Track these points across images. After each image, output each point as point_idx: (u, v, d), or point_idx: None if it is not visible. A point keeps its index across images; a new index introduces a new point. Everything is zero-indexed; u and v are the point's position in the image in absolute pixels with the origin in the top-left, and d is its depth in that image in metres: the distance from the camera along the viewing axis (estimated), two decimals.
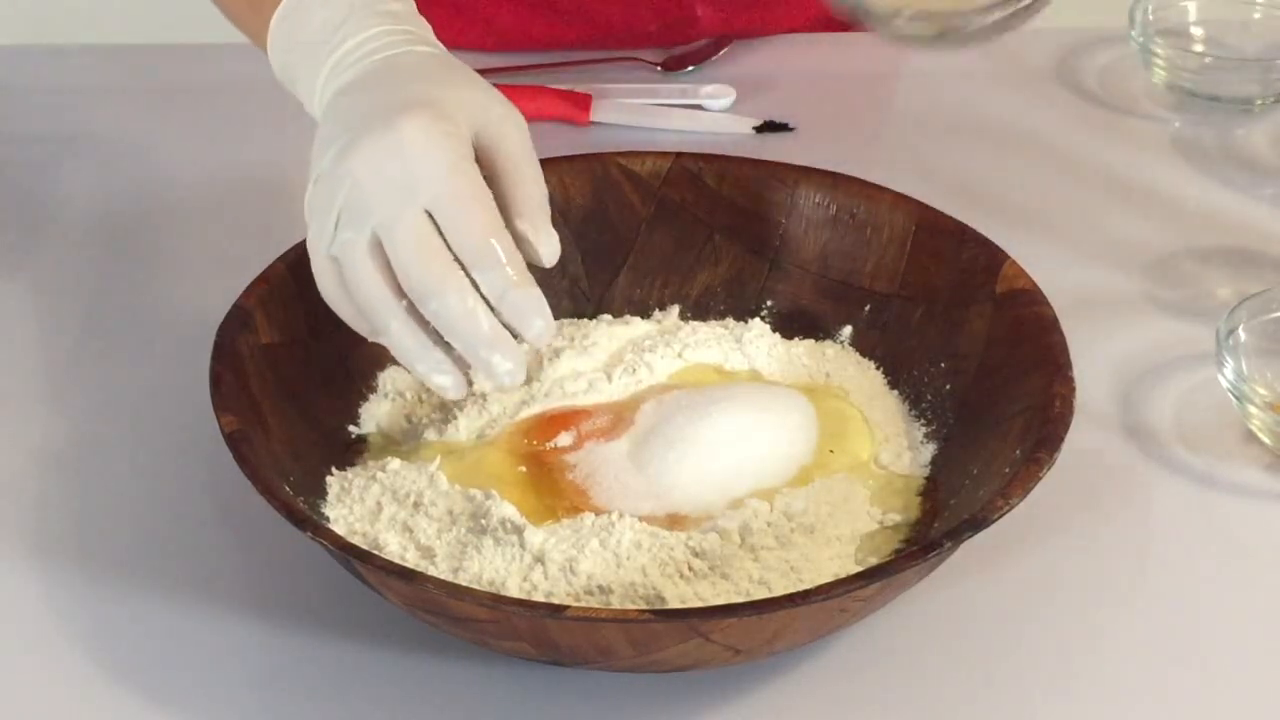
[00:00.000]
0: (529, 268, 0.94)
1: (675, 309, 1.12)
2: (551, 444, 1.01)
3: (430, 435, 1.03)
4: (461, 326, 0.93)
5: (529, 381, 1.05)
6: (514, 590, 0.92)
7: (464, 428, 1.03)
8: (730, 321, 1.11)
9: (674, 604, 0.91)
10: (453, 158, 0.93)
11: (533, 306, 0.93)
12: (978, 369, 1.03)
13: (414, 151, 0.93)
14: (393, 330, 0.94)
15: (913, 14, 0.98)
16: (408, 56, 0.99)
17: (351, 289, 0.95)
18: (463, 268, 0.93)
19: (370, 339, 0.96)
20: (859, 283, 1.09)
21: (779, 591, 0.91)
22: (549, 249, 0.96)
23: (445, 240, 0.93)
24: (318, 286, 0.96)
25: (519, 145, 0.97)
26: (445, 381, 0.95)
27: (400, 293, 0.93)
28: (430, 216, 0.92)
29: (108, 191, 1.28)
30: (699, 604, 0.91)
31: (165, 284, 1.19)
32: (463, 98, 0.96)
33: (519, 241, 0.95)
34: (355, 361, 1.06)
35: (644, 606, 0.91)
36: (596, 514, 0.95)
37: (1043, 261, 1.06)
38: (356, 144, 0.93)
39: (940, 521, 0.98)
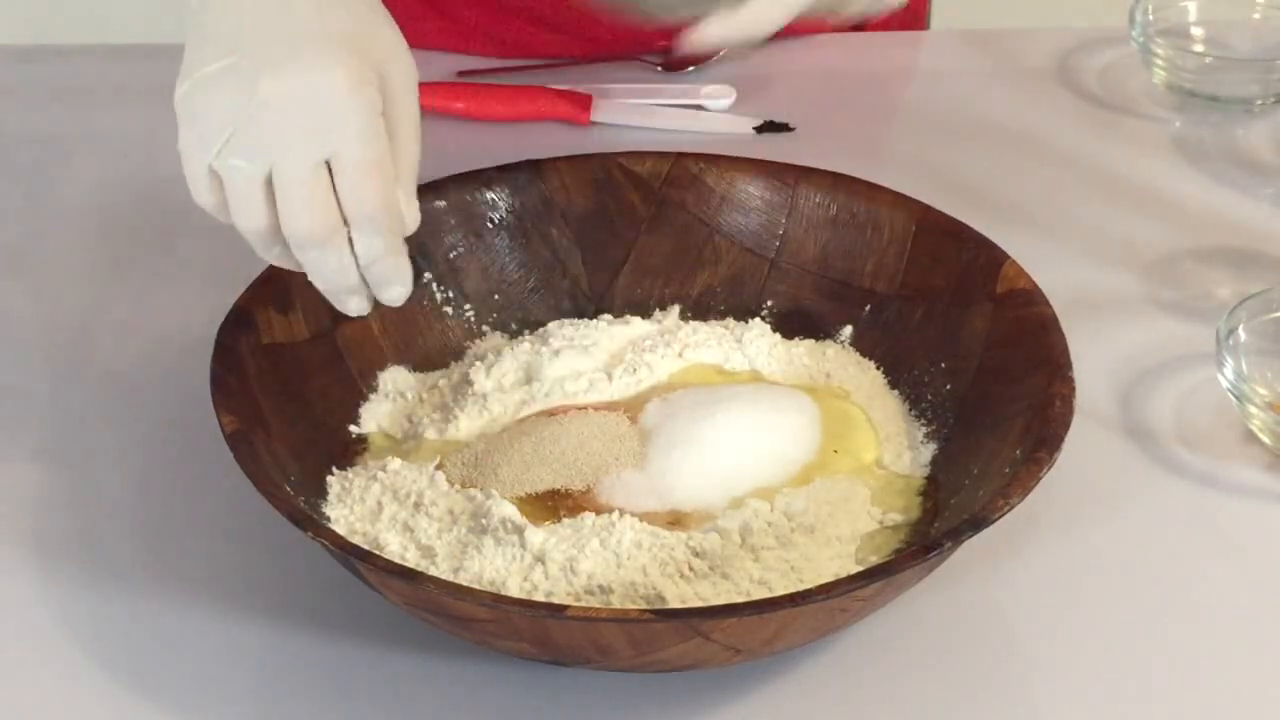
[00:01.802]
0: None
1: (675, 309, 1.12)
2: None
3: (430, 435, 1.03)
4: (331, 278, 0.96)
5: (529, 381, 1.05)
6: (514, 590, 0.92)
7: (464, 427, 1.03)
8: (730, 321, 1.11)
9: (674, 604, 0.91)
10: (369, 118, 0.92)
11: (398, 275, 0.97)
12: (978, 369, 1.03)
13: (335, 102, 0.91)
14: (274, 254, 0.96)
15: None
16: None
17: (236, 217, 0.94)
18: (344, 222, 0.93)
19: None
20: (859, 283, 1.09)
21: (779, 591, 0.91)
22: (414, 218, 0.97)
23: (335, 193, 0.92)
24: (193, 195, 0.95)
25: (409, 97, 0.95)
26: (398, 293, 0.98)
27: (278, 228, 0.94)
28: (327, 166, 0.92)
29: (108, 192, 1.28)
30: (699, 604, 0.91)
31: (165, 284, 1.19)
32: (378, 41, 0.94)
33: None
34: (355, 361, 1.06)
35: (644, 606, 0.91)
36: (597, 512, 0.96)
37: (1043, 261, 1.06)
38: (273, 70, 0.90)
39: (940, 521, 0.98)
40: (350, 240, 0.95)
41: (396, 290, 0.98)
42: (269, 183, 0.92)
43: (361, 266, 0.96)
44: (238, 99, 0.91)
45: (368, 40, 0.94)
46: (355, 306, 0.98)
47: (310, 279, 0.97)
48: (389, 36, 0.95)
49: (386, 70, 0.94)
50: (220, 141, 0.92)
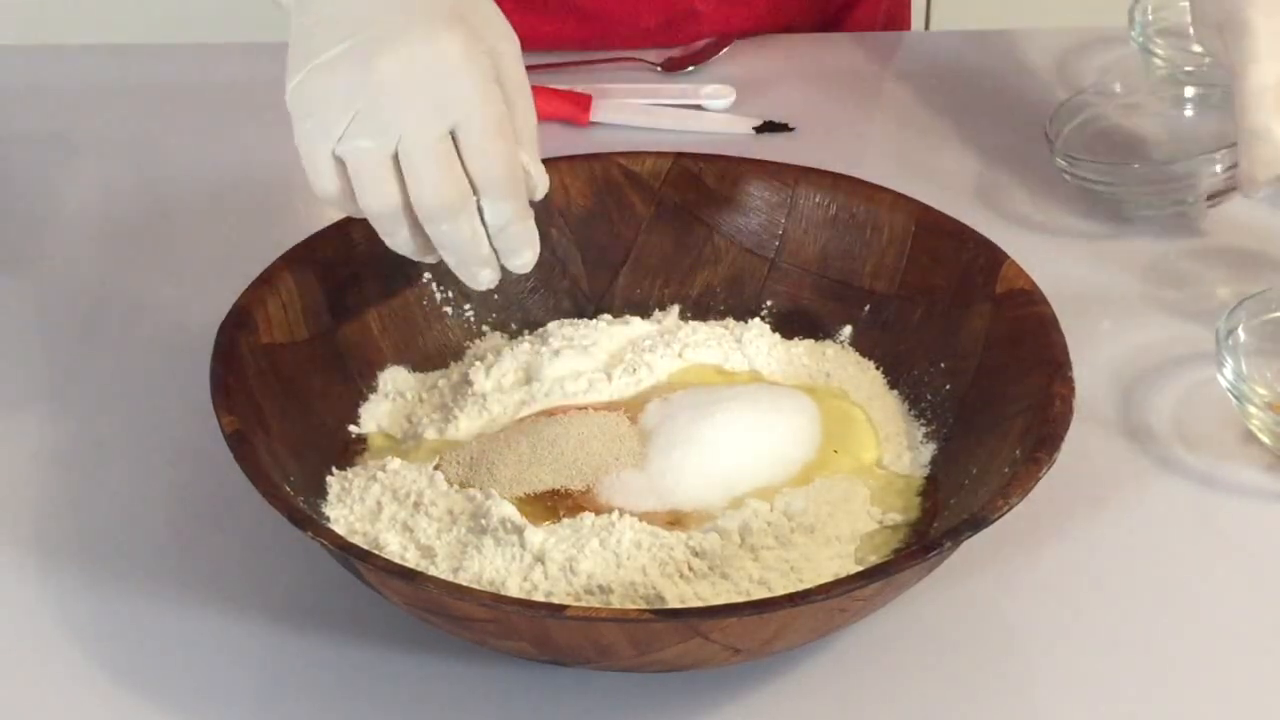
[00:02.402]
0: None
1: (675, 309, 1.12)
2: None
3: (430, 435, 1.03)
4: (464, 249, 0.96)
5: (529, 381, 1.05)
6: (514, 590, 0.92)
7: (464, 427, 1.03)
8: (730, 321, 1.11)
9: (674, 604, 0.91)
10: (486, 82, 0.93)
11: (528, 239, 0.97)
12: (977, 369, 1.03)
13: (455, 70, 0.92)
14: (400, 237, 0.96)
15: None
16: None
17: (363, 197, 0.94)
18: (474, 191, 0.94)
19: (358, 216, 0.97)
20: (859, 283, 1.09)
21: (779, 591, 0.91)
22: (543, 181, 0.98)
23: (463, 162, 0.93)
24: (314, 185, 0.95)
25: (520, 72, 0.97)
26: (529, 257, 0.98)
27: (407, 205, 0.94)
28: (452, 137, 0.93)
29: (108, 191, 1.28)
30: (699, 604, 0.91)
31: (166, 284, 1.19)
32: (484, 13, 0.96)
33: None
34: (355, 361, 1.06)
35: (644, 606, 0.91)
36: (597, 512, 0.96)
37: (1043, 261, 1.06)
38: (389, 47, 0.91)
39: (940, 521, 0.98)
40: (480, 210, 0.95)
41: (526, 255, 0.97)
42: (395, 160, 0.93)
43: (491, 234, 0.96)
44: (355, 81, 0.92)
45: (473, 15, 0.95)
46: (486, 278, 0.98)
47: (441, 253, 0.97)
48: (491, 11, 0.97)
49: (498, 45, 0.96)
50: (343, 126, 0.92)
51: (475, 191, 0.94)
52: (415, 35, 0.92)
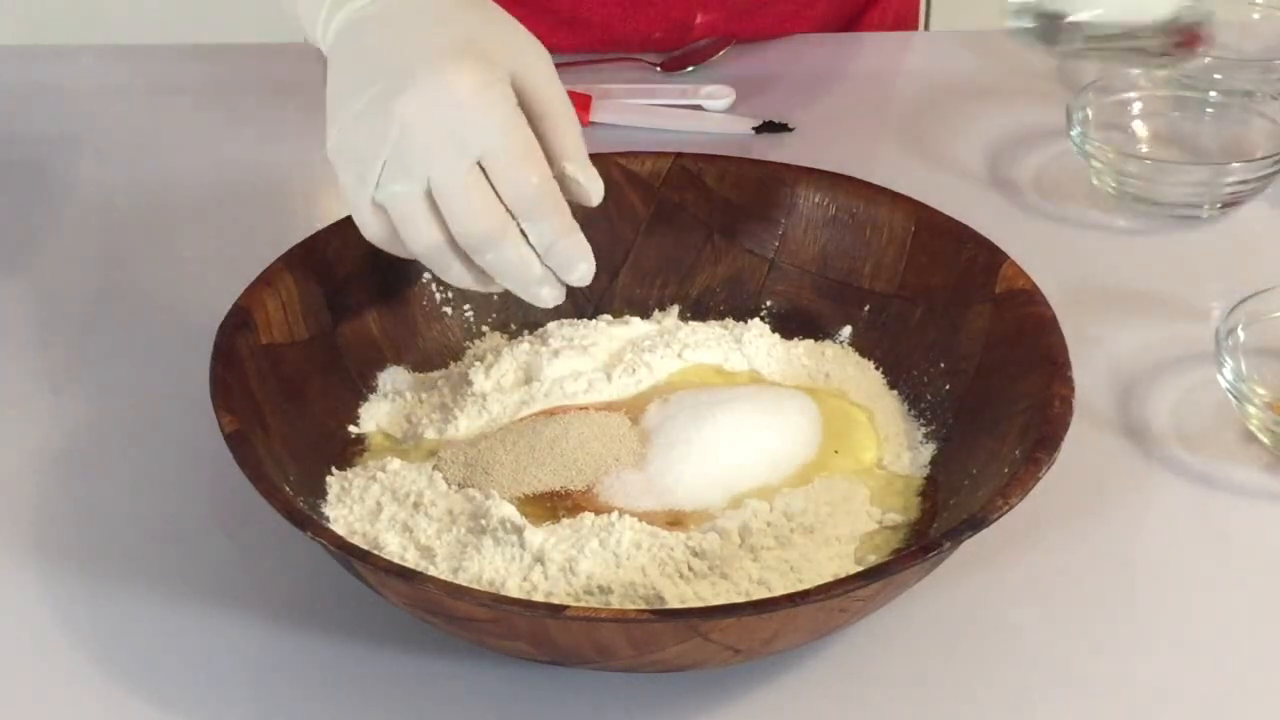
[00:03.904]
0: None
1: (675, 309, 1.12)
2: None
3: (430, 435, 1.03)
4: (515, 273, 0.96)
5: (528, 381, 1.05)
6: (514, 590, 0.92)
7: (464, 427, 1.03)
8: (730, 321, 1.11)
9: (674, 604, 0.91)
10: (505, 110, 0.94)
11: (579, 252, 0.96)
12: (977, 369, 1.03)
13: (468, 104, 0.93)
14: (454, 271, 0.97)
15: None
16: None
17: (408, 239, 0.96)
18: (512, 216, 0.95)
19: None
20: (858, 283, 1.09)
21: (779, 591, 0.91)
22: (596, 187, 0.98)
23: (495, 191, 0.94)
24: (363, 233, 0.97)
25: (553, 85, 0.98)
26: (584, 269, 0.97)
27: (452, 240, 0.95)
28: (480, 167, 0.94)
29: (108, 192, 1.28)
30: (699, 604, 0.91)
31: (165, 284, 1.19)
32: (500, 38, 0.96)
33: (564, 183, 0.96)
34: (355, 361, 1.06)
35: (643, 606, 0.91)
36: (597, 512, 0.96)
37: (1042, 262, 1.06)
38: (405, 91, 0.93)
39: (940, 521, 0.98)
40: (524, 233, 0.96)
41: (582, 268, 0.97)
42: (430, 199, 0.94)
43: (541, 254, 0.96)
44: (379, 130, 0.94)
45: (492, 41, 0.96)
46: (550, 296, 0.98)
47: (500, 281, 0.97)
48: (513, 34, 0.98)
49: (520, 64, 0.96)
50: (376, 173, 0.94)
51: (514, 216, 0.95)
52: (427, 75, 0.93)
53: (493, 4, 1.00)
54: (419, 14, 0.97)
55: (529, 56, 0.97)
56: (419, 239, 0.96)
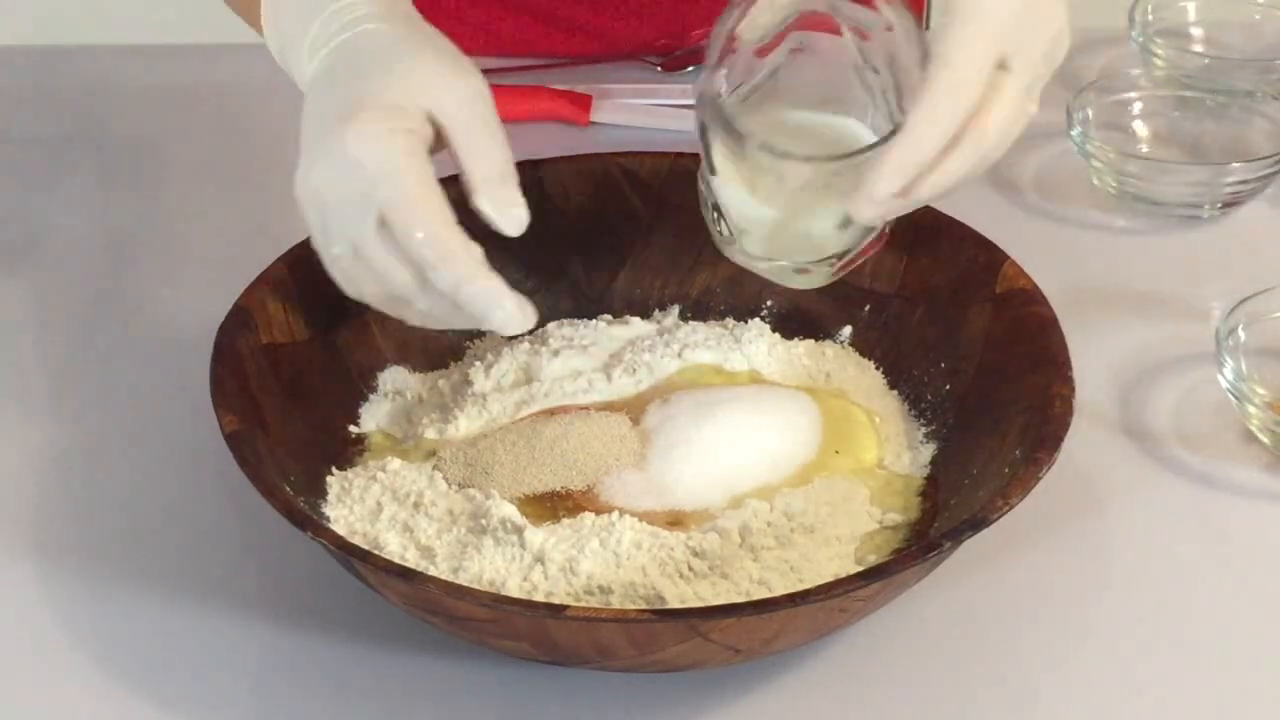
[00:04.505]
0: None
1: (675, 309, 1.12)
2: None
3: (430, 435, 1.03)
4: (446, 320, 0.94)
5: (528, 381, 1.05)
6: (514, 590, 0.92)
7: (464, 427, 1.03)
8: (730, 321, 1.11)
9: (674, 604, 0.91)
10: (393, 160, 0.91)
11: (486, 299, 0.90)
12: (977, 369, 1.03)
13: (358, 162, 0.91)
14: (413, 318, 0.95)
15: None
16: (364, 38, 0.95)
17: (357, 296, 0.95)
18: None
19: None
20: (859, 283, 1.09)
21: (779, 591, 0.91)
22: (508, 221, 0.93)
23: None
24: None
25: (470, 115, 0.94)
26: (500, 316, 0.91)
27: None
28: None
29: (108, 192, 1.28)
30: (699, 604, 0.91)
31: (165, 284, 1.19)
32: (414, 79, 0.94)
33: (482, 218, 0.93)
34: (355, 361, 1.06)
35: (644, 606, 0.91)
36: (597, 512, 0.96)
37: (1043, 262, 1.06)
38: (316, 163, 0.93)
39: (940, 521, 0.98)
40: None
41: (496, 315, 0.91)
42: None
43: (455, 303, 0.92)
44: (307, 198, 0.94)
45: (402, 80, 0.93)
46: (501, 321, 0.91)
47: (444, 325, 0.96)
48: (430, 65, 0.95)
49: (434, 98, 0.93)
50: (321, 238, 0.94)
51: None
52: (327, 139, 0.92)
53: (428, 37, 0.97)
54: (348, 66, 0.95)
55: (445, 86, 0.94)
56: (365, 295, 0.94)
